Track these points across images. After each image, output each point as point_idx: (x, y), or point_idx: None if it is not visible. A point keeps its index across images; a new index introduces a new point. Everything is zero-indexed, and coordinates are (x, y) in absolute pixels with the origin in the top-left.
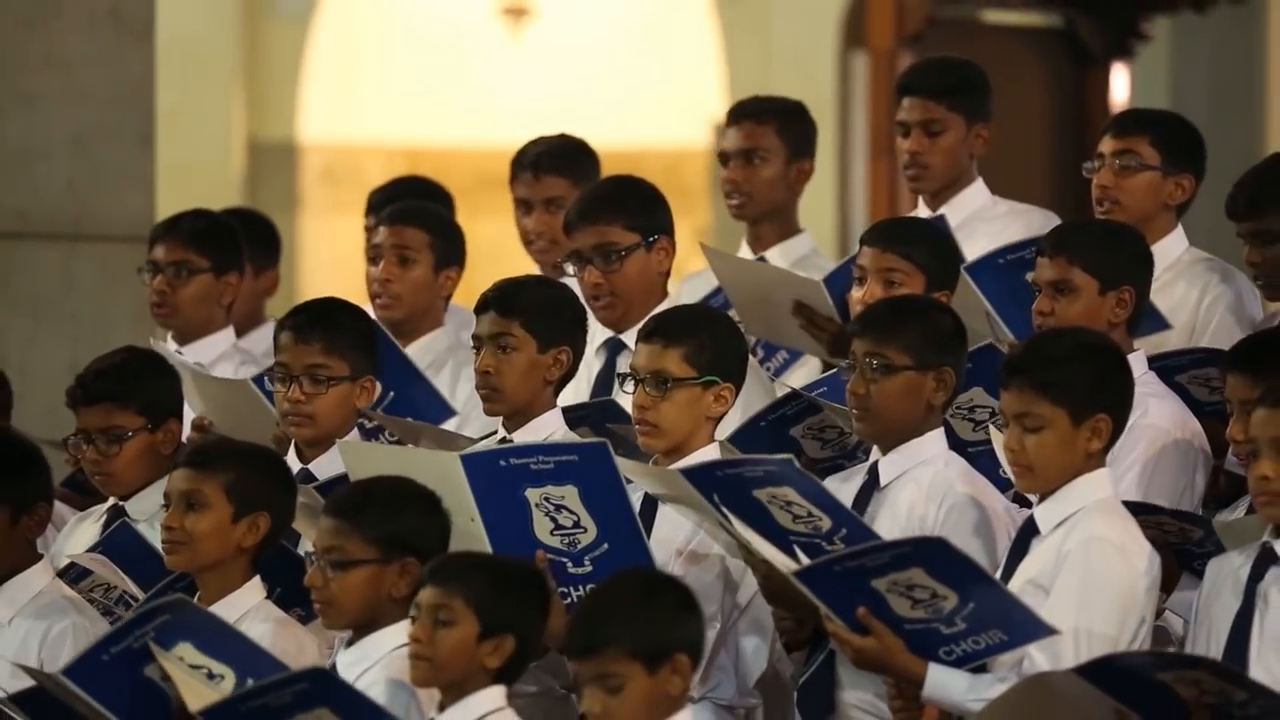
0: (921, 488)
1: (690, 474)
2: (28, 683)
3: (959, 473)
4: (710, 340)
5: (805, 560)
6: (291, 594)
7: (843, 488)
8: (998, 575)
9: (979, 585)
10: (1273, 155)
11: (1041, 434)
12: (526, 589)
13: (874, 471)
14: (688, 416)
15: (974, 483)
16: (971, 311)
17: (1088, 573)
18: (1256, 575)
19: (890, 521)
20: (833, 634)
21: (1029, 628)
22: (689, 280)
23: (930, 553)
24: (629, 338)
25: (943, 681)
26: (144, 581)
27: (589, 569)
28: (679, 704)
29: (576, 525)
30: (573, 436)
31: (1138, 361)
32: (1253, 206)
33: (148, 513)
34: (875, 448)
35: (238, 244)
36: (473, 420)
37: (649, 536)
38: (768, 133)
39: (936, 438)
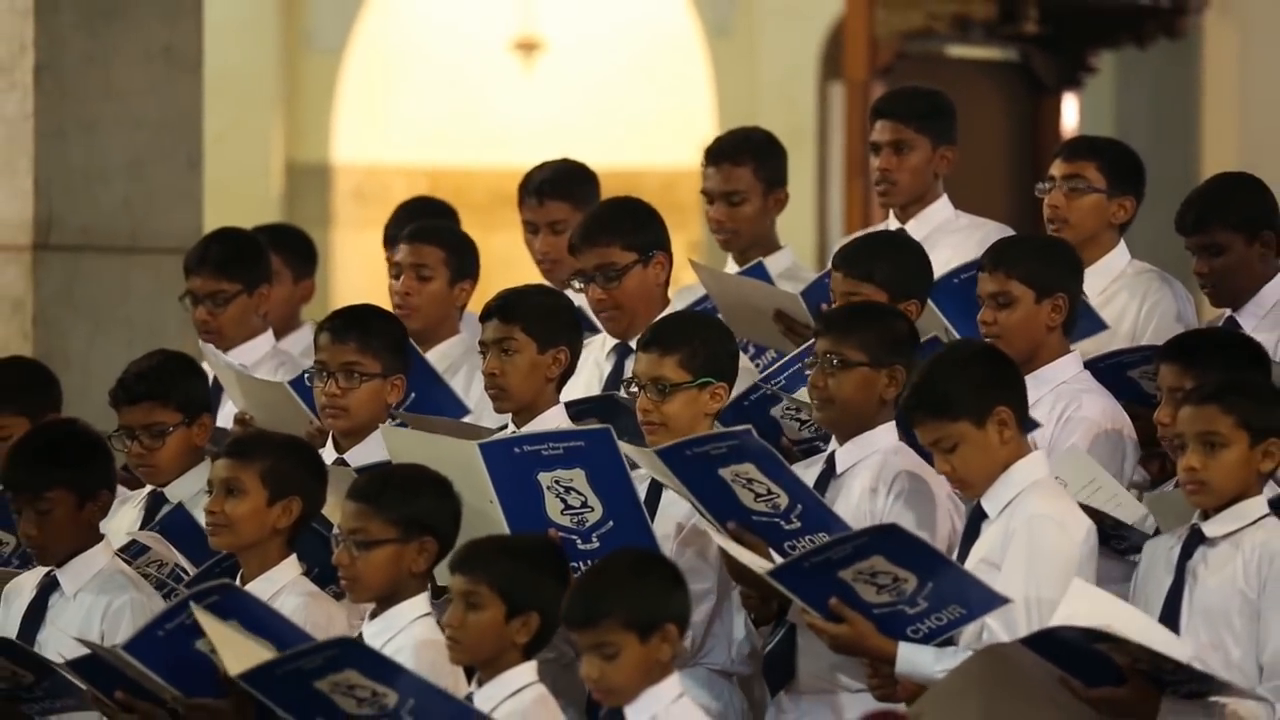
0: (873, 474)
1: (662, 453)
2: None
3: (907, 461)
4: (703, 345)
5: (777, 559)
6: (328, 573)
7: (805, 474)
8: (951, 556)
9: (934, 564)
10: (1217, 175)
11: (959, 450)
12: (546, 567)
13: (831, 461)
14: (687, 414)
15: (920, 470)
16: (937, 328)
17: (1032, 546)
18: (1186, 554)
19: (845, 506)
20: (810, 625)
21: (984, 600)
22: (681, 293)
23: (887, 539)
24: (636, 343)
25: (912, 658)
26: (193, 557)
27: (596, 545)
28: (669, 669)
29: (584, 505)
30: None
31: (1073, 362)
32: (1199, 222)
33: (183, 496)
34: (834, 438)
35: (263, 258)
36: (485, 418)
37: (659, 508)
38: (745, 174)
39: (888, 430)
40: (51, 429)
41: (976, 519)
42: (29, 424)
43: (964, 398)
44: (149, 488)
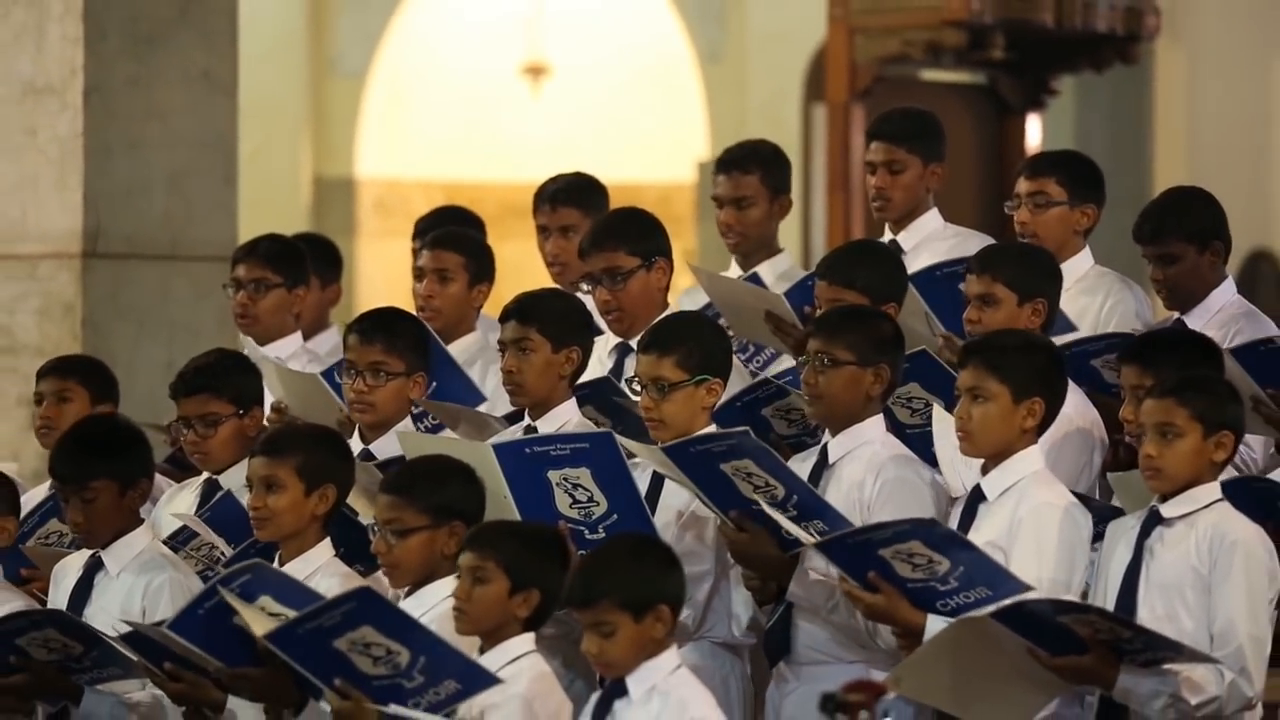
0: (862, 464)
1: (668, 451)
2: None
3: (893, 451)
4: (698, 345)
5: (817, 536)
6: (353, 553)
7: (801, 465)
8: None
9: (966, 553)
10: (1171, 189)
11: (986, 405)
12: (548, 549)
13: (824, 452)
14: (686, 410)
15: (905, 459)
16: (916, 315)
17: (1041, 533)
18: (1145, 533)
19: (836, 492)
20: (846, 592)
21: (1009, 586)
22: (690, 292)
23: (926, 530)
24: (636, 343)
25: (939, 629)
26: (240, 541)
27: (602, 535)
28: (663, 645)
29: (590, 500)
30: (586, 423)
31: None
32: (1156, 233)
33: (235, 484)
34: (827, 431)
35: (305, 263)
36: (498, 409)
37: (660, 499)
38: (752, 182)
39: (876, 423)
40: (94, 424)
41: (974, 501)
42: (90, 404)
43: (1019, 369)
44: (205, 474)
